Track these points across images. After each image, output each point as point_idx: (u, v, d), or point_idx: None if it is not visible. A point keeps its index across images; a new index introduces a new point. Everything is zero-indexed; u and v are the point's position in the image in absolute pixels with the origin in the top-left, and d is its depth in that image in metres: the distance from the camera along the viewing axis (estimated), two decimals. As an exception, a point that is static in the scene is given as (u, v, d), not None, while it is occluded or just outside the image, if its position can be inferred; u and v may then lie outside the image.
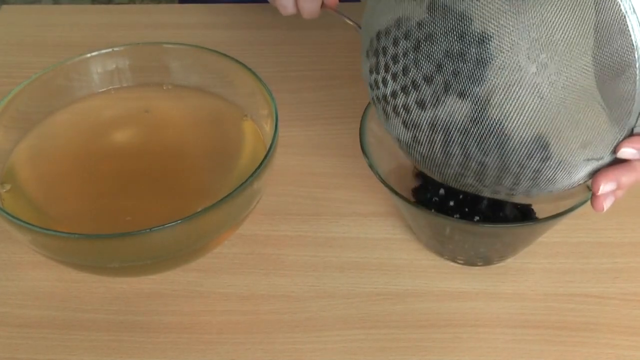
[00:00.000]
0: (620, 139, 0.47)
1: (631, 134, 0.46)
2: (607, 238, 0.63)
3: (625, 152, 0.47)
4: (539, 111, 0.45)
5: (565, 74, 0.44)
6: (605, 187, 0.48)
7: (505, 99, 0.45)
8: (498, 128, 0.46)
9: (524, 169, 0.48)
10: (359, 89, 0.71)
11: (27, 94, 0.64)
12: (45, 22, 0.90)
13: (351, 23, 0.62)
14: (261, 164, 0.56)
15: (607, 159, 0.48)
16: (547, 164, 0.47)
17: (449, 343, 0.56)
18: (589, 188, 0.50)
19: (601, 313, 0.58)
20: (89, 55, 0.67)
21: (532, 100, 0.45)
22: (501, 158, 0.48)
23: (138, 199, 0.62)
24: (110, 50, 0.67)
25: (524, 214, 0.60)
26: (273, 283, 0.61)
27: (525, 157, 0.47)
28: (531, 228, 0.57)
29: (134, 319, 0.59)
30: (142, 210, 0.61)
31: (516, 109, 0.46)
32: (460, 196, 0.60)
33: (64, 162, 0.65)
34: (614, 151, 0.47)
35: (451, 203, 0.60)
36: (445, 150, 0.50)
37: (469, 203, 0.60)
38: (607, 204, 0.50)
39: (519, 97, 0.45)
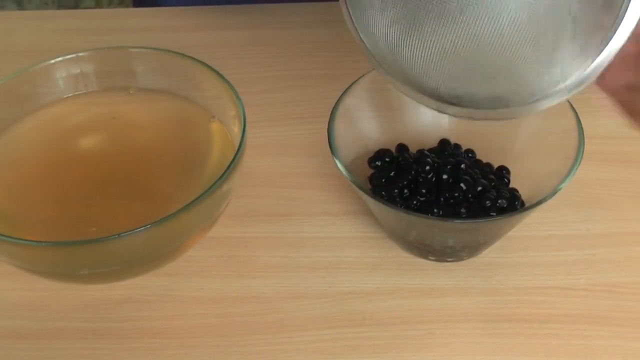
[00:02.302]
0: None
1: None
2: (575, 230, 0.64)
3: None
4: None
5: None
6: None
7: None
8: None
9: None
10: (327, 88, 0.71)
11: (-9, 101, 0.63)
12: (9, 28, 0.89)
13: None
14: (230, 165, 0.56)
15: None
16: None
17: (422, 339, 0.56)
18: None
19: (572, 304, 0.58)
20: (53, 61, 0.66)
21: None
22: None
23: (107, 204, 0.62)
24: (74, 55, 0.66)
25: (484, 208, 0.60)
26: (245, 285, 0.60)
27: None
28: (501, 222, 0.57)
29: (105, 326, 0.58)
30: (112, 216, 0.60)
31: None
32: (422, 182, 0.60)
33: (31, 169, 0.64)
34: None
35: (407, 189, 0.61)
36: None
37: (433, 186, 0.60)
38: None
39: None
